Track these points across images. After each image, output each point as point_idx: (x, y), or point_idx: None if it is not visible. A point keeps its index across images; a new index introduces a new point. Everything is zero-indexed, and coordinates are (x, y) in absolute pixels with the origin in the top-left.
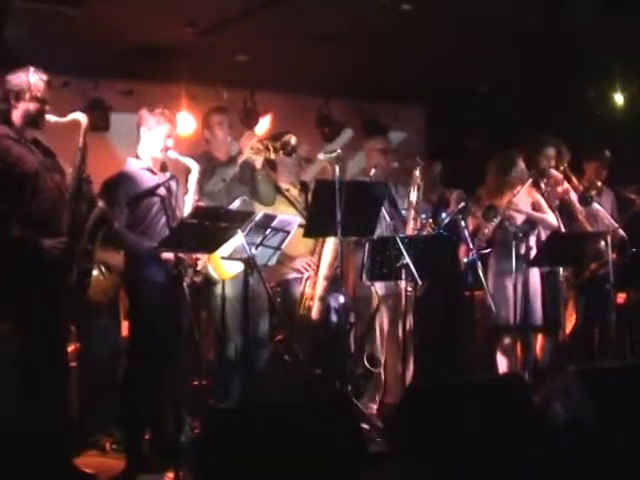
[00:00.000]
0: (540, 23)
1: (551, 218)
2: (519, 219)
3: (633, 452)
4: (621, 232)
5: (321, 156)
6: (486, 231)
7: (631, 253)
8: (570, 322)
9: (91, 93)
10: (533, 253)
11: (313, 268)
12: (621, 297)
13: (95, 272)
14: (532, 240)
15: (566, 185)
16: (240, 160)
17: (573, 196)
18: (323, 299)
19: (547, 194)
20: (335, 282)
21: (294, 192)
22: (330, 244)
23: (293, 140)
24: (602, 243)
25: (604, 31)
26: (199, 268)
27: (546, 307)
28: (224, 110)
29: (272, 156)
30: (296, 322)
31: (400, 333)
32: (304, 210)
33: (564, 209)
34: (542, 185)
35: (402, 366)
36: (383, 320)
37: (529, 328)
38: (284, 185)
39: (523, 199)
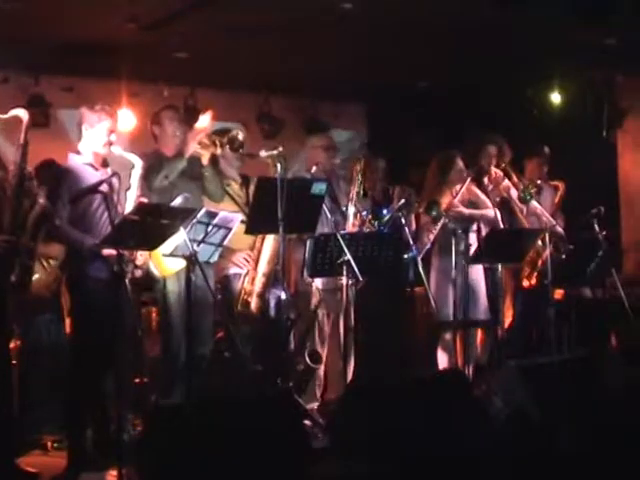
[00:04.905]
0: (477, 21)
1: (490, 213)
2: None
3: (573, 445)
4: (559, 229)
5: (263, 153)
6: (431, 236)
7: (567, 249)
8: (507, 318)
9: (31, 89)
10: (473, 250)
11: (251, 264)
12: (558, 293)
13: (37, 267)
14: (472, 237)
15: (506, 182)
16: (187, 154)
17: (513, 193)
18: (261, 295)
19: (488, 192)
20: (276, 278)
21: (235, 187)
22: (270, 240)
23: (240, 135)
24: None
25: (541, 31)
26: (138, 263)
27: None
28: (176, 108)
29: (218, 151)
30: (235, 318)
31: (341, 329)
32: (245, 205)
33: (505, 206)
34: (484, 182)
35: (343, 362)
36: (324, 316)
37: (469, 324)
38: (226, 180)
39: (463, 196)
